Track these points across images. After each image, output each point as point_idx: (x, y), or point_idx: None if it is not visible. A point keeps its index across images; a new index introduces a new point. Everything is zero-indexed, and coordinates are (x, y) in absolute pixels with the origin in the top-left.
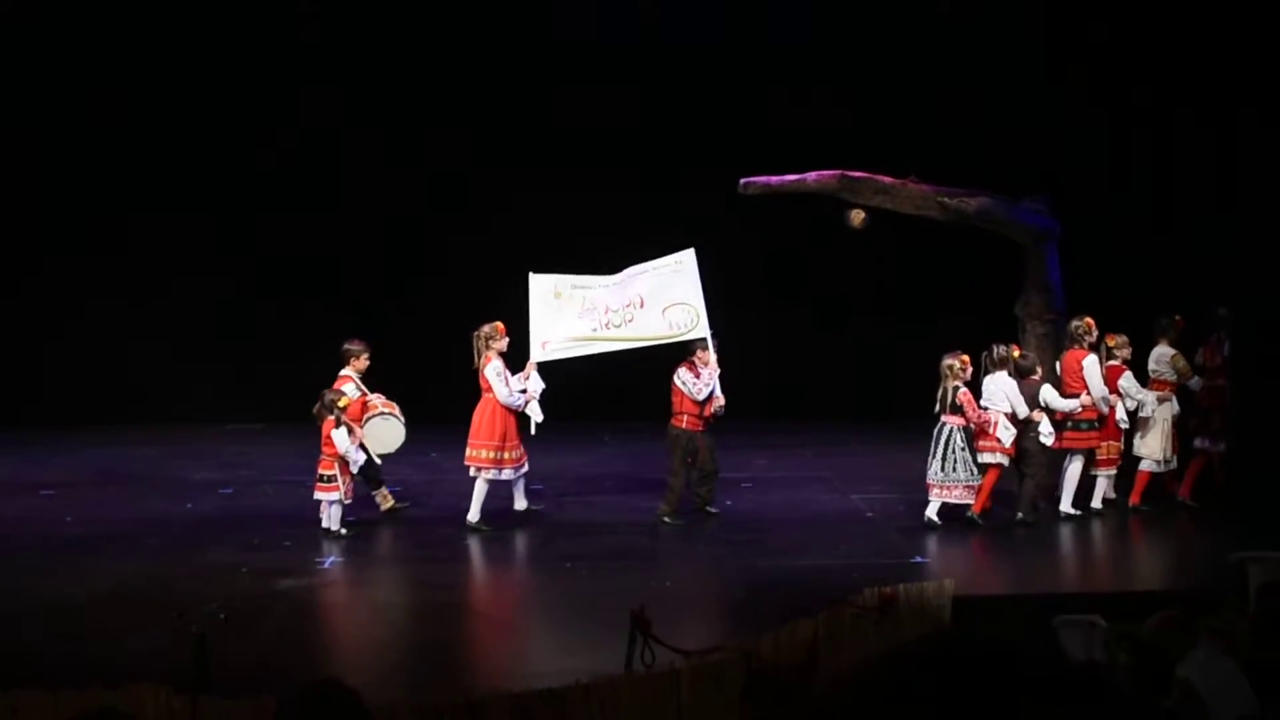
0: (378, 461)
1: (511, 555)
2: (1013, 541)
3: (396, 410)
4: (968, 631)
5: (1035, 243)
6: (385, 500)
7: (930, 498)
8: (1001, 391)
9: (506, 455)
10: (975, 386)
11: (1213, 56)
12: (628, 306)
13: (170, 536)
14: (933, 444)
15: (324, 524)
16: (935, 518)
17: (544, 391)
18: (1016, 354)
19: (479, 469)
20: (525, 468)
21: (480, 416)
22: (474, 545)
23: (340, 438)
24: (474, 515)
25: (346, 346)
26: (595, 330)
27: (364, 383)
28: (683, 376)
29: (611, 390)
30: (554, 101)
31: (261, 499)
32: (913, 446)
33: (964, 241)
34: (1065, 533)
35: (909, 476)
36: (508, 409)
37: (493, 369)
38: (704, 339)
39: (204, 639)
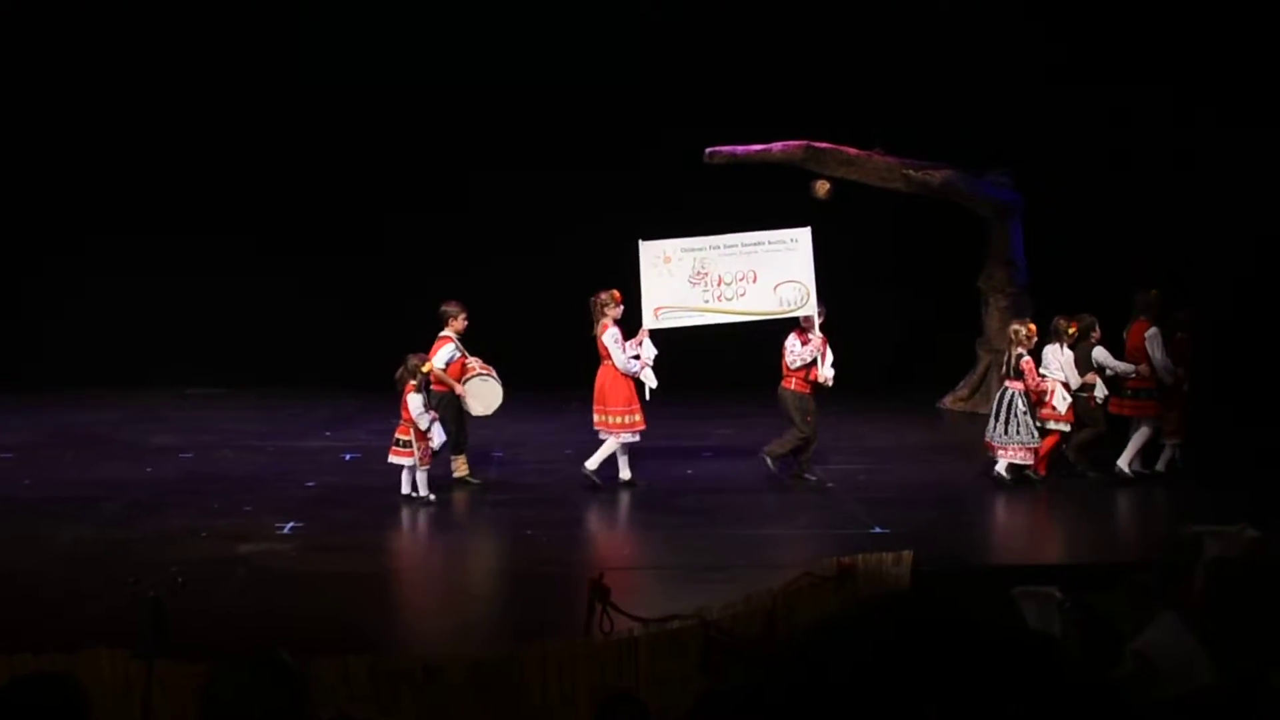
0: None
1: (470, 522)
2: (973, 512)
3: (493, 372)
4: (923, 594)
5: (999, 217)
6: (460, 468)
7: (996, 457)
8: (1057, 361)
9: (633, 419)
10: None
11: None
12: (740, 280)
13: (129, 500)
14: (994, 406)
15: (404, 490)
16: (1005, 474)
17: (656, 357)
18: (1073, 329)
19: (611, 433)
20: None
21: (604, 383)
22: (432, 511)
23: (415, 403)
24: (593, 464)
25: (444, 308)
26: (707, 301)
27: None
28: (791, 343)
29: (578, 359)
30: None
31: (221, 463)
32: (873, 418)
33: (927, 213)
34: (1026, 504)
35: (869, 447)
36: (624, 374)
37: (610, 336)
38: (811, 315)
39: (161, 604)
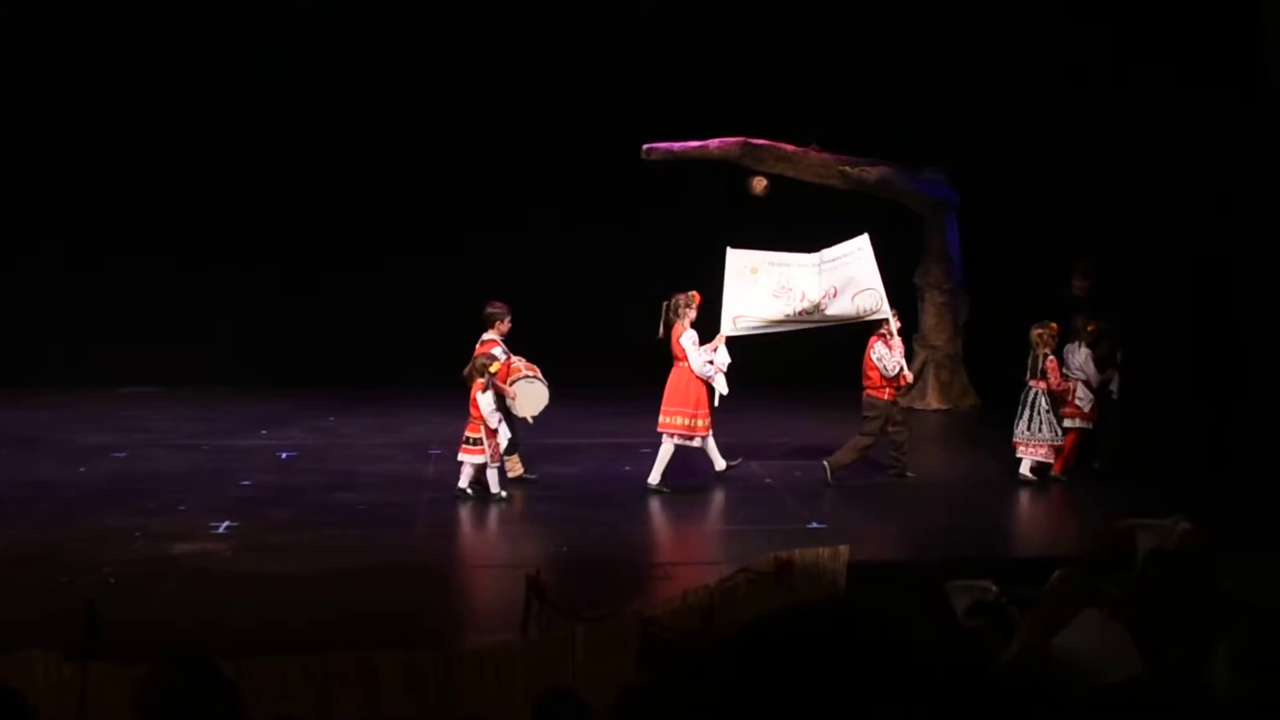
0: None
1: (410, 520)
2: (909, 507)
3: (538, 373)
4: (850, 598)
5: (934, 213)
6: (515, 467)
7: (1020, 455)
8: (1076, 361)
9: (699, 423)
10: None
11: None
12: (825, 297)
13: (62, 500)
14: (1020, 406)
15: (462, 484)
16: (1029, 474)
17: (730, 365)
18: (1091, 328)
19: (671, 435)
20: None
21: (675, 384)
22: (371, 510)
23: (485, 401)
24: (655, 478)
25: (489, 310)
26: (788, 315)
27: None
28: (879, 351)
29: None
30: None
31: (156, 462)
32: (810, 414)
33: (864, 210)
34: (963, 499)
35: (806, 444)
36: (699, 378)
37: (689, 337)
38: (887, 318)
39: (94, 605)
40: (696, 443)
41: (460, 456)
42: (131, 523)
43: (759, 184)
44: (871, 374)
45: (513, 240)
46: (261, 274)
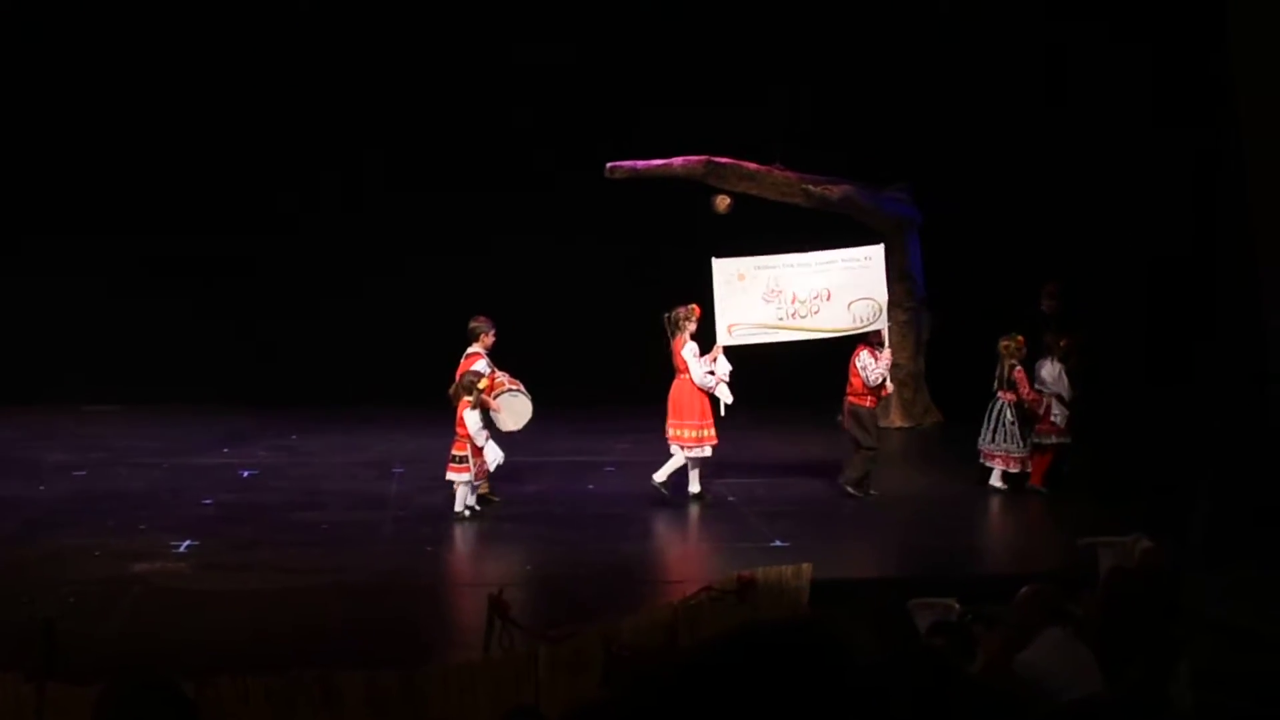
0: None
1: (370, 538)
2: (873, 525)
3: (522, 387)
4: (804, 619)
5: (897, 231)
6: (481, 486)
7: (988, 464)
8: (1052, 376)
9: (706, 433)
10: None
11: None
12: (815, 298)
13: (22, 519)
14: (985, 416)
15: (456, 508)
16: (1000, 483)
17: (731, 373)
18: (1063, 343)
19: (683, 447)
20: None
21: (679, 396)
22: (333, 528)
23: (472, 419)
24: (661, 475)
25: (473, 324)
26: (781, 319)
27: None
28: (864, 360)
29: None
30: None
31: (117, 481)
32: (773, 432)
33: (826, 228)
34: (926, 516)
35: (769, 461)
36: (700, 389)
37: (690, 350)
38: (880, 330)
39: (52, 624)
40: (707, 451)
41: (449, 476)
42: (91, 541)
43: (723, 202)
44: (854, 381)
45: (469, 260)
46: (223, 293)
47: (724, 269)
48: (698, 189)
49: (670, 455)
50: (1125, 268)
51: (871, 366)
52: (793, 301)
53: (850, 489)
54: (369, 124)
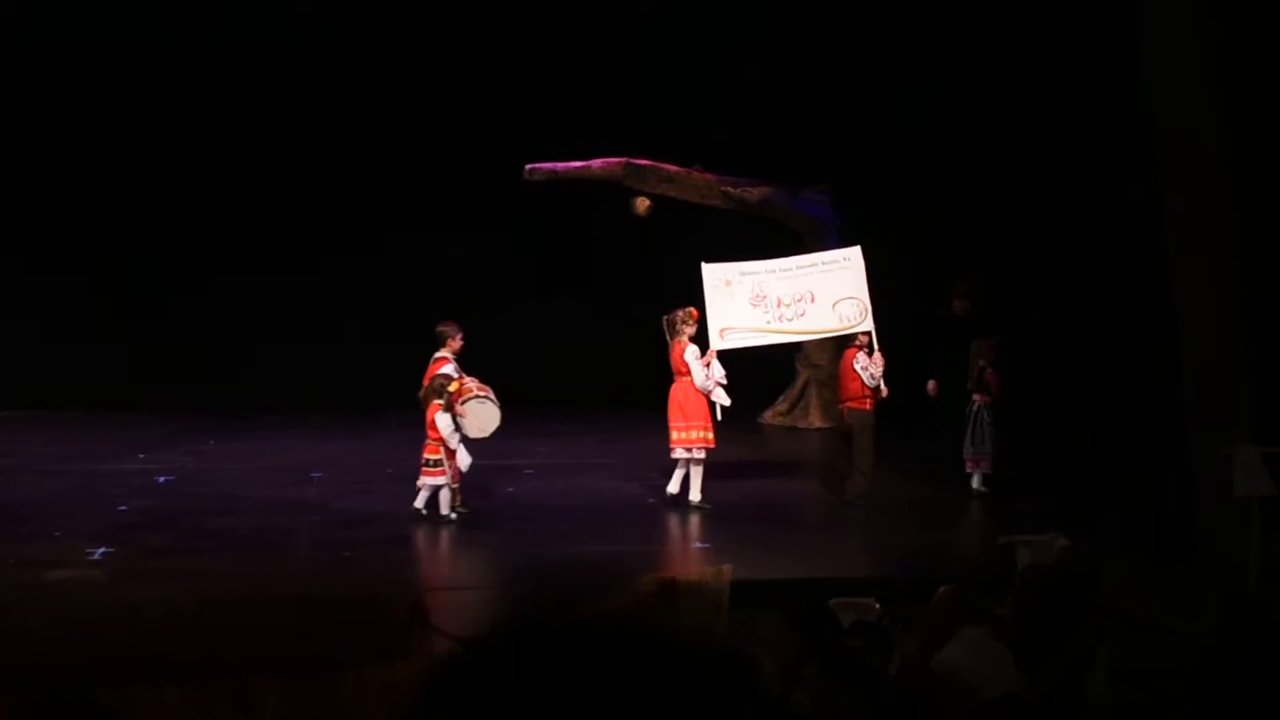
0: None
1: (291, 545)
2: (794, 525)
3: (491, 394)
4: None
5: (815, 233)
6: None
7: (969, 471)
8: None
9: (710, 434)
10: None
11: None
12: (799, 301)
13: None
14: (966, 423)
15: (416, 504)
16: (981, 488)
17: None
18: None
19: (689, 449)
20: None
21: (683, 399)
22: (251, 535)
23: (444, 422)
24: (696, 495)
25: (441, 328)
26: (769, 322)
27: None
28: (862, 362)
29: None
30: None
31: (27, 489)
32: None
33: (746, 231)
34: (847, 517)
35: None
36: (700, 392)
37: (691, 353)
38: (869, 330)
39: None
40: (703, 454)
41: (421, 480)
42: (3, 550)
43: (642, 204)
44: (851, 385)
45: (384, 259)
46: (139, 298)
47: (713, 274)
48: (617, 191)
49: (673, 463)
50: (1043, 266)
51: (870, 368)
52: (778, 305)
53: (858, 499)
54: (279, 123)
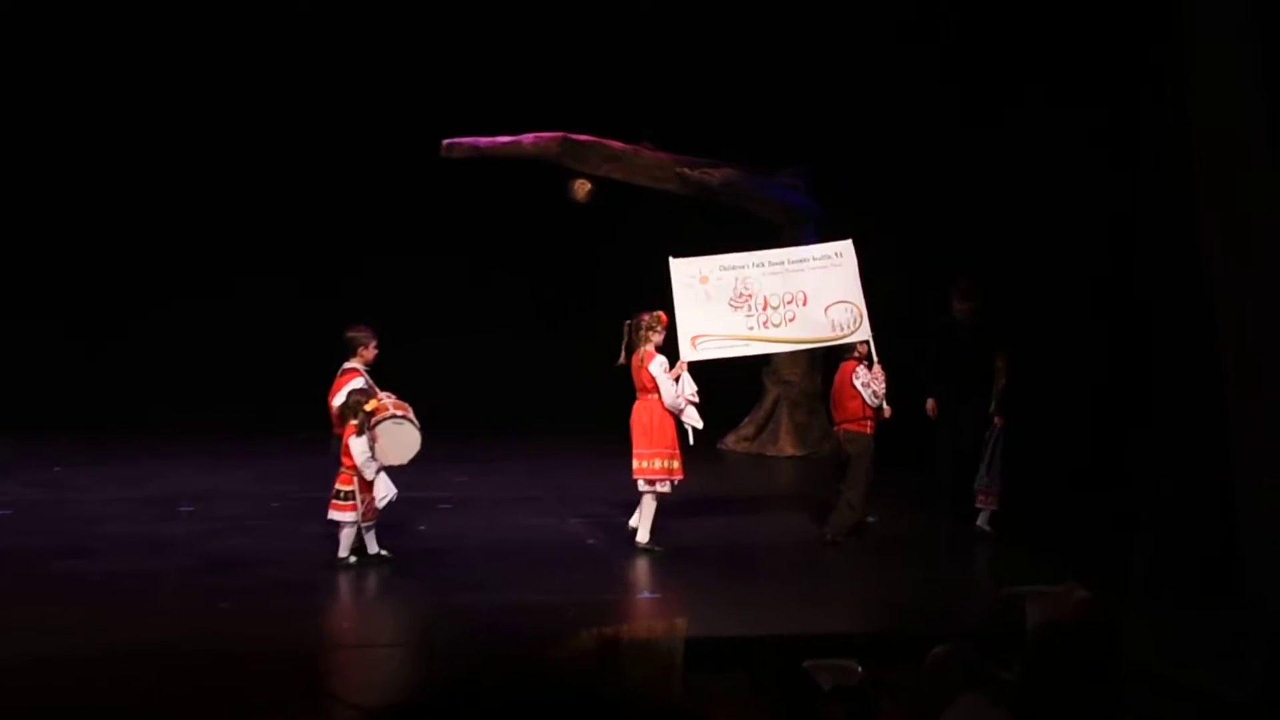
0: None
1: (153, 592)
2: (761, 572)
3: (410, 413)
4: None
5: (791, 224)
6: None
7: (978, 505)
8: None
9: (676, 464)
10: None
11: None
12: (789, 304)
13: None
14: (983, 447)
15: (342, 554)
16: (986, 527)
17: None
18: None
19: (650, 481)
20: None
21: (649, 421)
22: (105, 581)
23: (360, 448)
24: (644, 536)
25: (351, 334)
26: (752, 328)
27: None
28: (862, 378)
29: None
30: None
31: None
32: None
33: (708, 219)
34: (823, 562)
35: (634, 497)
36: (669, 411)
37: (659, 365)
38: (866, 340)
39: None
40: (668, 488)
41: (331, 515)
42: None
43: (582, 188)
44: (851, 404)
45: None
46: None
47: (683, 270)
48: (552, 172)
49: (638, 494)
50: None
51: (872, 384)
52: (764, 308)
53: (838, 538)
54: (145, 129)
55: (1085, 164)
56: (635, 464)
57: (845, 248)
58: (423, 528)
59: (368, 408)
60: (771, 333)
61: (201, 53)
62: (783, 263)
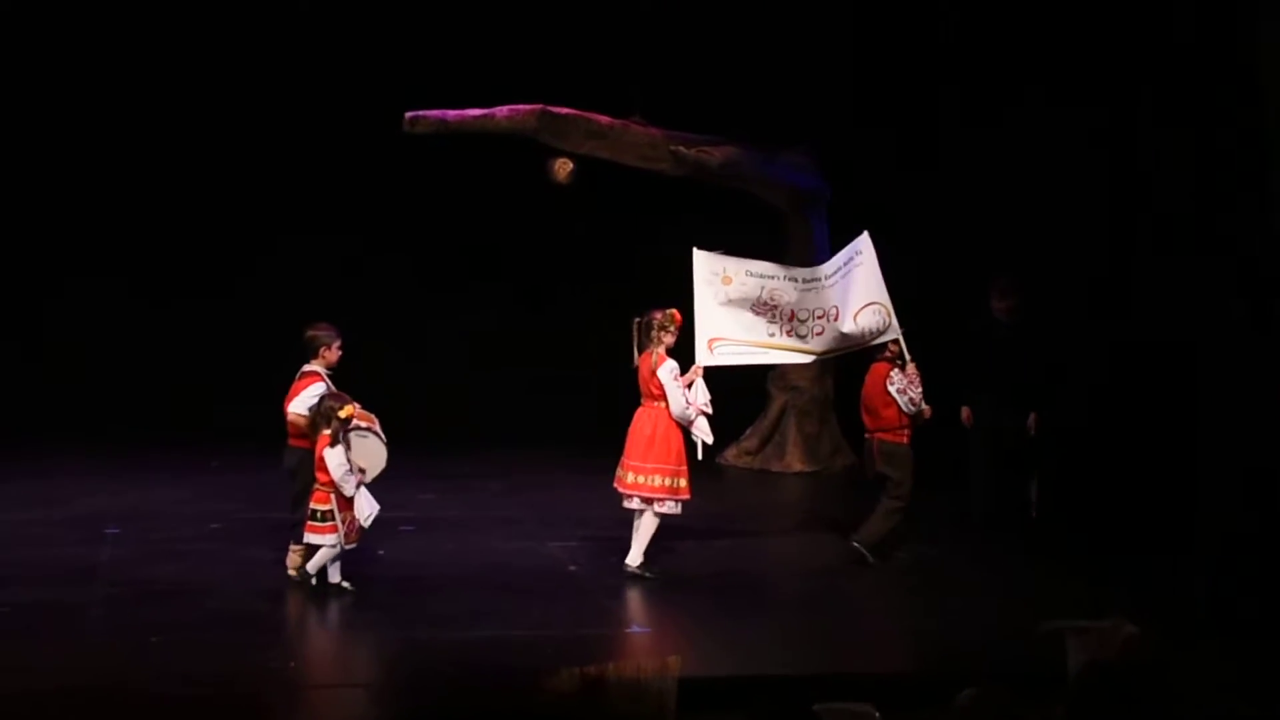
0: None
1: (77, 625)
2: (762, 605)
3: (376, 424)
4: None
5: (798, 208)
6: (295, 558)
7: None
8: None
9: (683, 482)
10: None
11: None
12: (820, 318)
13: None
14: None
15: (309, 567)
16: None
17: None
18: None
19: (647, 499)
20: None
21: (652, 431)
22: (21, 613)
23: (335, 459)
24: (635, 558)
25: (312, 333)
26: (773, 335)
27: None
28: (897, 383)
29: (234, 394)
30: None
31: None
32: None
33: (705, 203)
34: (835, 592)
35: (625, 518)
36: (677, 423)
37: (668, 370)
38: (897, 338)
39: None
40: (678, 508)
41: (308, 539)
42: None
43: (563, 169)
44: (886, 413)
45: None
46: None
47: (707, 265)
48: (529, 149)
49: (632, 515)
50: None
51: (909, 390)
52: (789, 319)
53: (865, 550)
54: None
55: (1085, 164)
56: (627, 476)
57: (864, 244)
58: (382, 552)
59: (342, 414)
60: (794, 343)
61: (125, 27)
62: (819, 280)
